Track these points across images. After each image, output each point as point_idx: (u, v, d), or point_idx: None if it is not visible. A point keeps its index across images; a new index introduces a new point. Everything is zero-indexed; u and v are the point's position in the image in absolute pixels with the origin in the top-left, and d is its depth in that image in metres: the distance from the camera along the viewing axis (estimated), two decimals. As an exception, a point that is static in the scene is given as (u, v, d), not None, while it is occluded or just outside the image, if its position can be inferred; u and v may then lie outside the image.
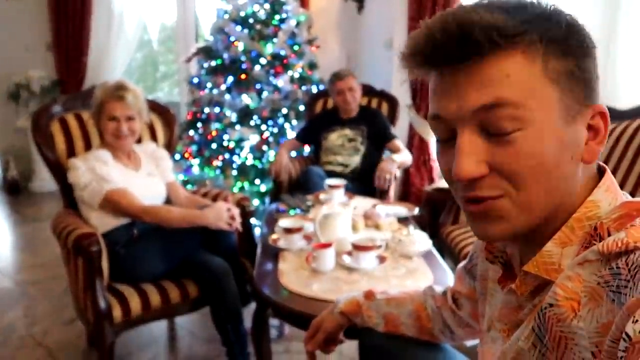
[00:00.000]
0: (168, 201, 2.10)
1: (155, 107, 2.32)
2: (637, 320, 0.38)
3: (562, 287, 0.49)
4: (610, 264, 0.45)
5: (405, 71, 0.57)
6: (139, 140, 2.15)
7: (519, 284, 0.57)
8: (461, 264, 0.88)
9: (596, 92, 0.55)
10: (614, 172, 1.53)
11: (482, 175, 0.52)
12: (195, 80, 3.56)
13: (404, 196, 3.27)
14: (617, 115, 1.69)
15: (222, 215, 1.84)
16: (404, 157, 2.72)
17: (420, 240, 1.75)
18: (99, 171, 1.83)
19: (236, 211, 1.90)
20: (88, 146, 2.07)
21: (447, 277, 1.58)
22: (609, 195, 0.55)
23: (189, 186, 3.32)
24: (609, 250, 0.46)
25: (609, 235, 0.50)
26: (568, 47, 0.52)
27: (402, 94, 3.24)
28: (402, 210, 2.17)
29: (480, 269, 0.77)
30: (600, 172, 0.58)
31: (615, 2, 2.18)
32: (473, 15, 0.50)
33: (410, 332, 0.97)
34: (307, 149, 3.24)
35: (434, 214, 2.52)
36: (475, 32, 0.49)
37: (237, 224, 1.89)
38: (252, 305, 1.78)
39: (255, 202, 3.27)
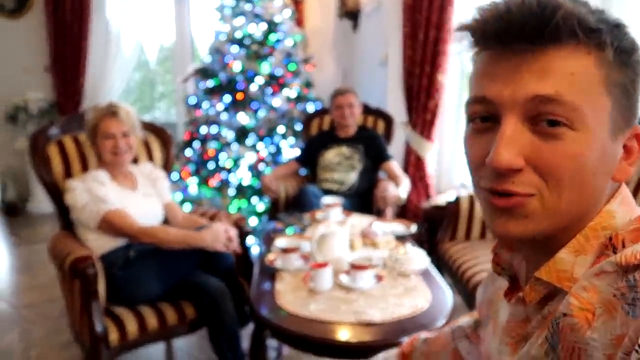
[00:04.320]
0: (166, 222, 2.10)
1: (152, 127, 2.34)
2: None
3: (576, 297, 0.48)
4: (627, 276, 0.45)
5: (459, 49, 0.56)
6: (135, 161, 2.16)
7: (529, 291, 0.56)
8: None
9: (638, 113, 0.55)
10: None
11: (520, 167, 0.50)
12: (193, 100, 3.58)
13: (401, 213, 3.27)
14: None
15: (219, 236, 1.84)
16: (406, 188, 2.71)
17: (418, 258, 1.75)
18: (97, 192, 1.83)
19: (234, 232, 1.90)
20: (85, 168, 2.07)
21: (445, 296, 1.57)
22: (625, 207, 0.55)
23: (186, 205, 3.32)
24: (626, 262, 0.46)
25: (624, 247, 0.50)
26: (631, 61, 0.52)
27: (398, 111, 3.27)
28: (400, 227, 2.17)
29: (489, 292, 0.76)
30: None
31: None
32: None
33: None
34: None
35: (431, 231, 2.52)
36: (556, 16, 0.48)
37: (235, 245, 1.89)
38: (250, 326, 1.77)
39: (253, 221, 3.26)
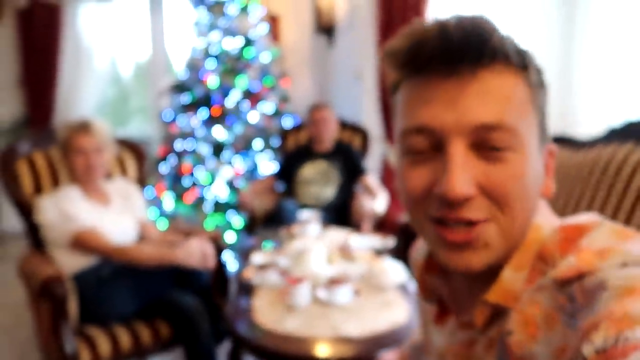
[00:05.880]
0: (140, 238, 2.06)
1: (126, 143, 2.30)
2: (592, 342, 0.39)
3: (520, 313, 0.50)
4: (566, 289, 0.47)
5: (390, 73, 0.55)
6: (109, 176, 2.12)
7: (478, 314, 0.56)
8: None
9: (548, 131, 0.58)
10: (577, 202, 1.57)
11: (473, 194, 0.50)
12: (168, 115, 3.55)
13: (379, 227, 3.28)
14: (577, 145, 1.74)
15: (194, 253, 1.82)
16: (383, 201, 2.73)
17: (395, 272, 1.76)
18: (68, 210, 1.79)
19: (209, 248, 1.88)
20: (56, 184, 2.02)
21: (422, 309, 1.58)
22: (546, 217, 0.57)
23: (161, 222, 3.26)
24: (563, 276, 0.47)
25: (553, 257, 0.52)
26: (543, 82, 0.55)
27: (373, 125, 3.30)
28: (377, 241, 2.18)
29: (422, 316, 0.75)
30: None
31: (569, 31, 2.29)
32: (487, 22, 0.50)
33: None
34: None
35: (408, 245, 2.53)
36: (492, 38, 0.49)
37: (211, 261, 1.87)
38: (227, 344, 1.74)
39: (229, 236, 3.23)
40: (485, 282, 0.55)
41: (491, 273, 0.54)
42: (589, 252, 0.48)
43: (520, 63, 0.52)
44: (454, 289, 0.63)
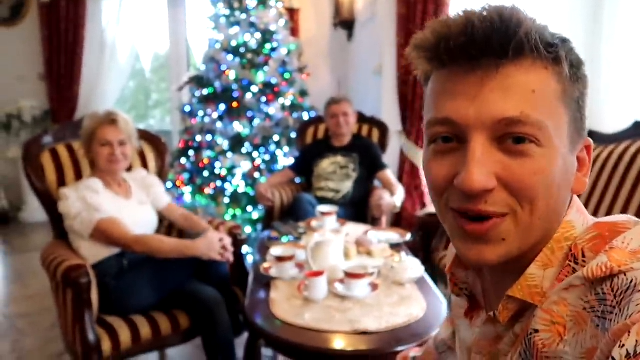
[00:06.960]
0: (159, 230, 2.09)
1: (147, 136, 2.33)
2: (623, 345, 0.38)
3: (548, 311, 0.49)
4: (596, 289, 0.46)
5: (416, 64, 0.55)
6: (129, 169, 2.15)
7: (502, 310, 0.55)
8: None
9: (586, 126, 0.56)
10: (601, 197, 1.55)
11: (493, 187, 0.49)
12: (188, 108, 3.58)
13: (396, 222, 3.27)
14: (602, 139, 1.72)
15: (214, 245, 1.83)
16: (401, 196, 2.72)
17: (413, 267, 1.75)
18: (90, 200, 1.82)
19: (228, 241, 1.89)
20: (79, 176, 2.06)
21: (440, 304, 1.57)
22: (581, 215, 0.55)
23: (180, 214, 3.30)
24: (594, 275, 0.46)
25: (584, 256, 0.50)
26: (581, 74, 0.53)
27: (392, 119, 3.28)
28: (394, 236, 2.17)
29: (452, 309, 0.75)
30: None
31: (596, 26, 2.24)
32: (517, 13, 0.49)
33: None
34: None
35: (426, 240, 2.52)
36: (520, 31, 0.48)
37: (229, 254, 1.88)
38: (245, 335, 1.76)
39: (248, 229, 3.25)
40: (514, 278, 0.54)
41: (521, 269, 0.53)
42: (622, 252, 0.47)
43: (551, 56, 0.50)
44: (483, 283, 0.63)
